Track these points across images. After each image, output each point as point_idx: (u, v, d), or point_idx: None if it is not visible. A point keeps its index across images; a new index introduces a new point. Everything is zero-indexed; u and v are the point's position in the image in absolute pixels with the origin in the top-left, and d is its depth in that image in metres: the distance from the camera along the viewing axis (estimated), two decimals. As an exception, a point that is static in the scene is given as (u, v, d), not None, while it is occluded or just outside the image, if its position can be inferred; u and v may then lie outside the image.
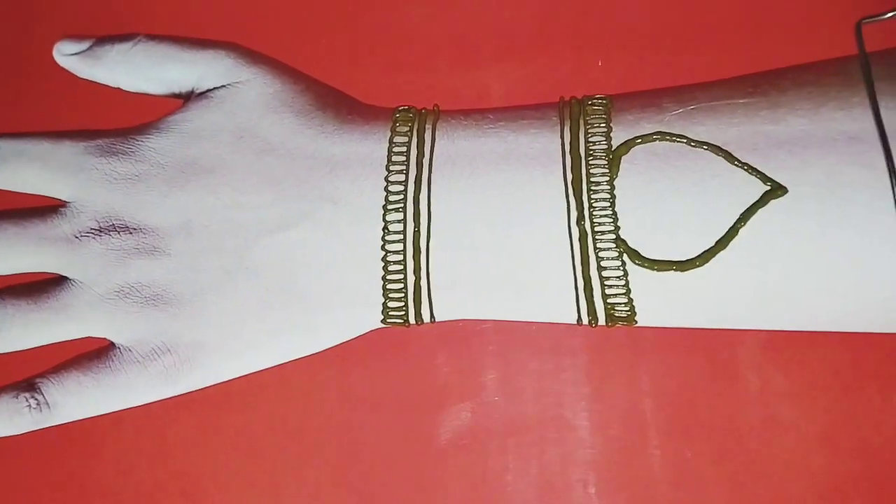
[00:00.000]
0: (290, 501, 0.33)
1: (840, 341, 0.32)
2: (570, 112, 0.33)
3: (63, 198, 0.34)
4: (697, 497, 0.32)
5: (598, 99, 0.33)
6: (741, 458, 0.32)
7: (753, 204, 0.30)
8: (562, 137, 0.32)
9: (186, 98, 0.36)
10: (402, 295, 0.32)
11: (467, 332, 0.34)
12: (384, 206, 0.32)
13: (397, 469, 0.33)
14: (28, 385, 0.33)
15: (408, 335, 0.34)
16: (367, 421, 0.33)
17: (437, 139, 0.33)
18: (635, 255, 0.31)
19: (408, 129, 0.34)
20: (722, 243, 0.30)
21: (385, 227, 0.32)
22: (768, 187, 0.30)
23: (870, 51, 0.32)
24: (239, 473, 0.33)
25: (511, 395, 0.33)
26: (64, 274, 0.34)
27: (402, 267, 0.32)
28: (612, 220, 0.31)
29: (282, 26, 0.38)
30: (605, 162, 0.32)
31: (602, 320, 0.32)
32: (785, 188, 0.30)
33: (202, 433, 0.34)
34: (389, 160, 0.33)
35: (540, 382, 0.33)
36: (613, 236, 0.31)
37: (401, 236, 0.32)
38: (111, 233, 0.33)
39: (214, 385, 0.33)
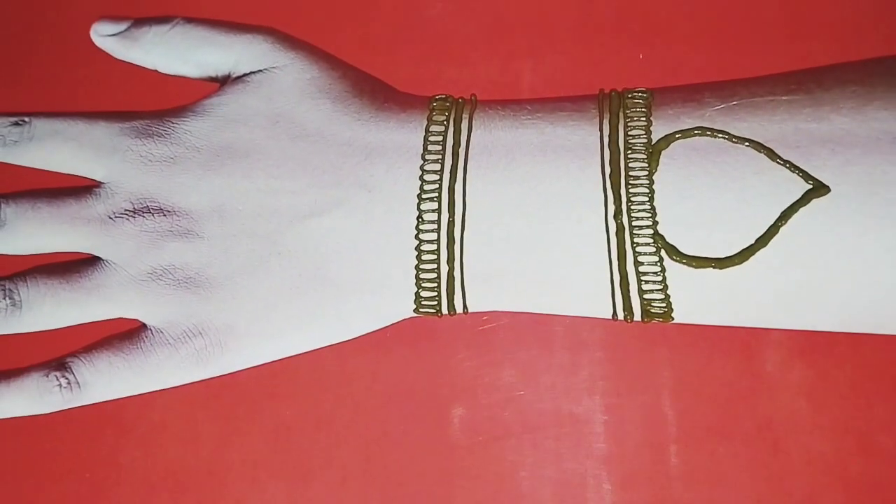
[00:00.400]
0: (318, 488, 0.33)
1: (869, 342, 0.32)
2: (610, 105, 0.33)
3: (98, 178, 0.34)
4: (713, 495, 0.32)
5: (638, 92, 0.33)
6: (758, 456, 0.32)
7: (795, 202, 0.30)
8: (600, 130, 0.32)
9: (223, 82, 0.35)
10: (436, 285, 0.32)
11: (494, 326, 0.34)
12: (419, 195, 0.32)
13: (423, 460, 0.33)
14: (59, 364, 0.33)
15: (435, 327, 0.34)
16: (394, 411, 0.33)
17: (473, 129, 0.33)
18: (673, 251, 0.30)
19: (444, 118, 0.33)
20: (762, 241, 0.30)
21: (419, 216, 0.32)
22: (810, 186, 0.30)
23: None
24: (267, 458, 0.33)
25: (534, 391, 0.33)
26: (97, 254, 0.34)
27: (435, 256, 0.32)
28: (650, 214, 0.31)
29: (320, 13, 0.38)
30: (644, 156, 0.31)
31: (638, 316, 0.31)
32: (827, 187, 0.30)
33: (231, 417, 0.34)
34: (425, 149, 0.33)
35: (562, 378, 0.33)
36: (651, 231, 0.31)
37: (435, 226, 0.32)
38: (145, 214, 0.33)
39: (245, 370, 0.33)
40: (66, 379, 0.32)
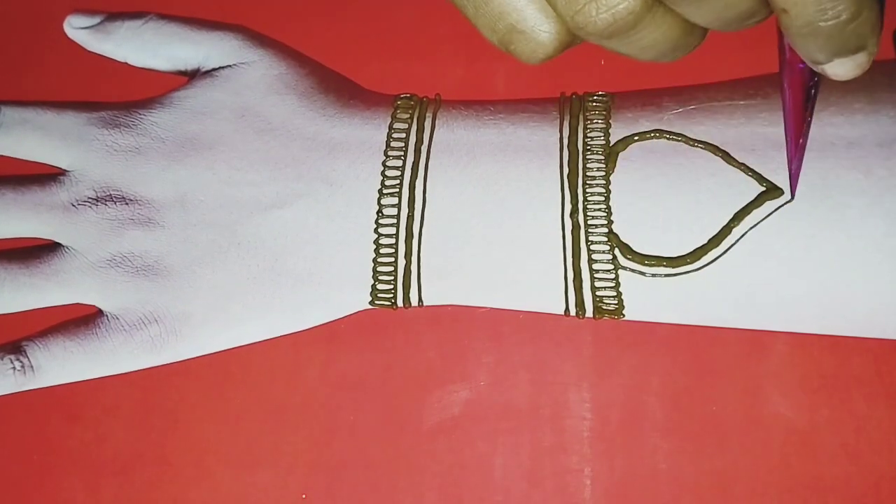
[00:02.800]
0: (265, 475, 0.33)
1: (829, 345, 0.32)
2: (571, 107, 0.33)
3: (63, 166, 0.35)
4: (698, 489, 0.32)
5: (598, 95, 0.33)
6: (728, 455, 0.32)
7: (748, 204, 0.30)
8: (560, 132, 0.33)
9: (192, 76, 0.36)
10: (392, 278, 0.32)
11: (455, 317, 0.34)
12: (380, 190, 0.32)
13: (375, 450, 0.33)
14: (14, 347, 0.33)
15: (396, 318, 0.34)
16: (349, 401, 0.33)
17: (436, 127, 0.33)
18: (626, 250, 0.31)
19: (408, 116, 0.34)
20: (714, 242, 0.30)
21: (379, 211, 0.32)
22: (764, 188, 0.30)
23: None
24: (216, 445, 0.33)
25: (498, 381, 0.33)
26: (58, 241, 0.34)
27: (393, 251, 0.32)
28: (605, 214, 0.31)
29: (289, 12, 0.38)
30: (602, 157, 0.32)
31: (589, 312, 0.32)
32: (781, 189, 0.30)
33: (182, 403, 0.34)
34: (388, 145, 0.33)
35: (528, 368, 0.33)
36: (606, 230, 0.31)
37: (394, 220, 0.32)
38: (107, 203, 0.33)
39: (198, 357, 0.33)
40: (20, 362, 0.32)
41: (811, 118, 0.27)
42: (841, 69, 0.23)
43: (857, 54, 0.22)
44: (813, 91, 0.27)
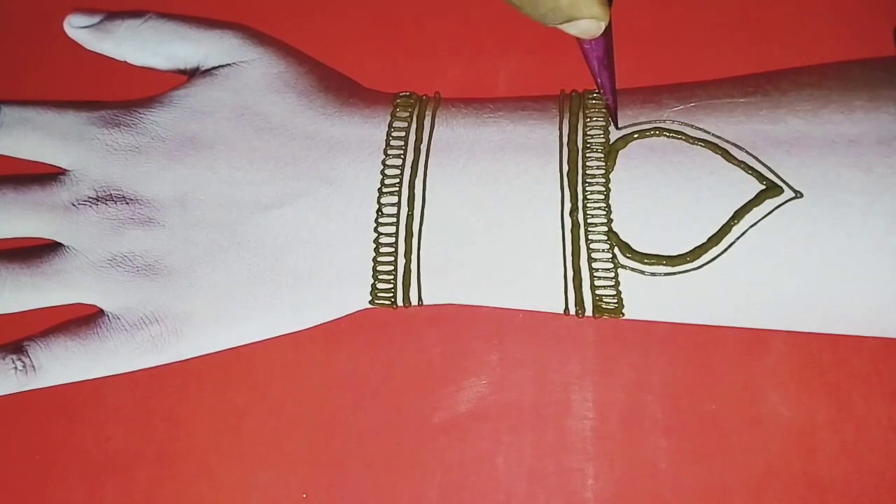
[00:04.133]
0: (267, 475, 0.33)
1: (829, 345, 0.32)
2: (570, 105, 0.33)
3: (63, 166, 0.35)
4: (698, 489, 0.32)
5: (598, 93, 0.33)
6: (728, 455, 0.32)
7: (748, 202, 0.30)
8: (560, 129, 0.32)
9: (191, 75, 0.36)
10: (392, 277, 0.32)
11: (456, 316, 0.34)
12: (379, 189, 0.32)
13: (376, 450, 0.33)
14: (15, 347, 0.33)
15: (396, 317, 0.34)
16: (349, 401, 0.33)
17: (436, 126, 0.33)
18: (626, 249, 0.31)
19: (408, 114, 0.34)
20: (714, 240, 0.30)
21: (379, 210, 0.32)
22: (764, 186, 0.30)
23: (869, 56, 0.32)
24: (217, 445, 0.33)
25: (499, 380, 0.33)
26: (58, 240, 0.34)
27: (393, 249, 0.32)
28: (605, 212, 0.31)
29: (289, 11, 0.38)
30: (602, 155, 0.32)
31: (589, 311, 0.32)
32: (780, 188, 0.30)
33: (183, 403, 0.34)
34: (388, 144, 0.33)
35: (530, 367, 0.33)
36: (605, 229, 0.31)
37: (394, 219, 0.32)
38: (108, 202, 0.33)
39: (199, 356, 0.33)
40: (22, 362, 0.32)
41: (606, 55, 0.30)
42: (573, 31, 0.27)
43: (576, 22, 0.27)
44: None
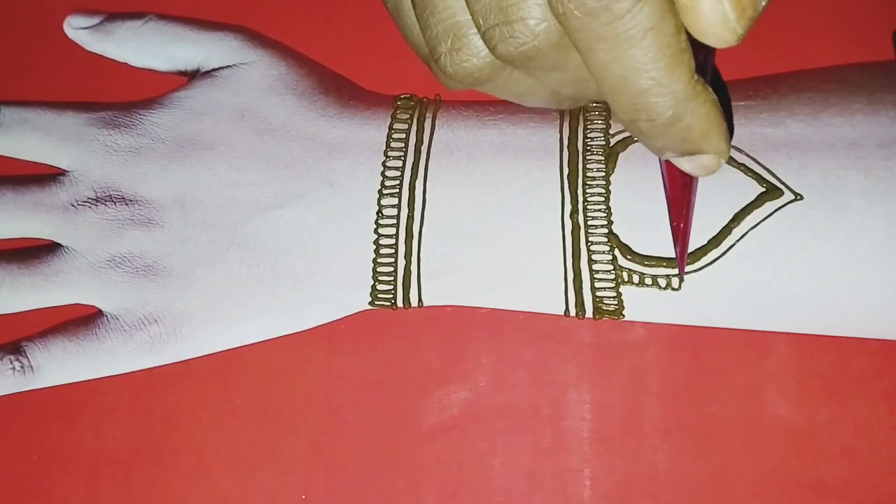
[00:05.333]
0: (265, 476, 0.32)
1: (829, 345, 0.32)
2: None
3: (63, 167, 0.35)
4: (697, 489, 0.32)
5: (598, 96, 0.33)
6: (728, 455, 0.32)
7: (748, 205, 0.30)
8: (560, 132, 0.33)
9: (192, 76, 0.36)
10: (392, 278, 0.32)
11: (455, 317, 0.34)
12: (380, 191, 0.32)
13: (375, 450, 0.33)
14: (14, 348, 0.33)
15: (396, 318, 0.34)
16: (349, 401, 0.33)
17: (436, 128, 0.33)
18: (626, 251, 0.31)
19: (408, 116, 0.34)
20: (714, 242, 0.30)
21: (379, 211, 0.32)
22: (764, 189, 0.30)
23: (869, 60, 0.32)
24: (216, 445, 0.33)
25: (497, 381, 0.33)
26: (58, 241, 0.34)
27: (393, 251, 0.32)
28: (605, 214, 0.31)
29: (289, 12, 0.38)
30: (602, 157, 0.32)
31: (589, 313, 0.32)
32: (780, 190, 0.30)
33: (182, 404, 0.33)
34: (388, 146, 0.33)
35: (528, 369, 0.33)
36: (606, 231, 0.31)
37: (394, 220, 0.32)
38: (107, 203, 0.33)
39: (198, 357, 0.33)
40: (20, 363, 0.32)
41: (693, 199, 0.27)
42: (685, 167, 0.24)
43: (698, 156, 0.23)
44: (690, 176, 0.26)
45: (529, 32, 0.21)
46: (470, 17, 0.22)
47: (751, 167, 0.30)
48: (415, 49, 0.25)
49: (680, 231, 0.28)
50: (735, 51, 0.29)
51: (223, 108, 0.34)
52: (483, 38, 0.21)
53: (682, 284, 0.30)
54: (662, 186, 0.29)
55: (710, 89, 0.21)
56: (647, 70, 0.20)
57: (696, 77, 0.21)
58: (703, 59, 0.22)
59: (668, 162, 0.26)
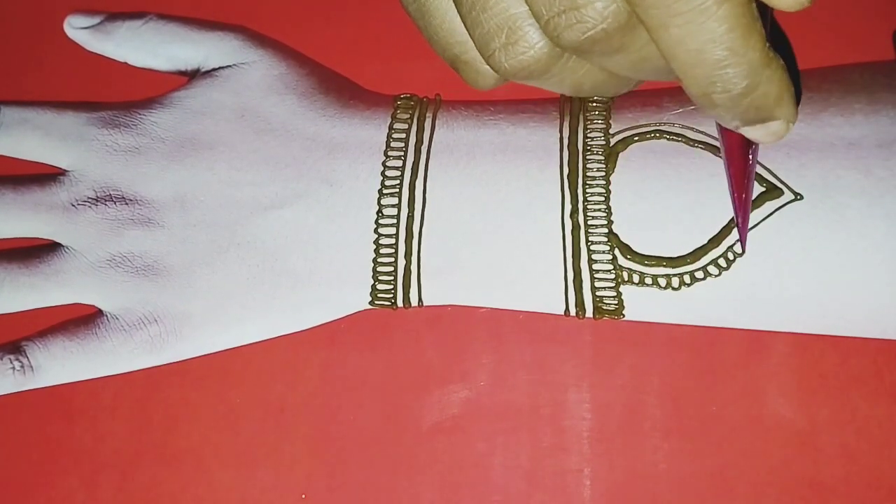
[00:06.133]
0: (265, 475, 0.32)
1: (829, 345, 0.32)
2: (571, 107, 0.33)
3: (63, 166, 0.35)
4: (696, 489, 0.32)
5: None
6: (728, 455, 0.32)
7: (748, 204, 0.30)
8: (560, 132, 0.33)
9: (192, 76, 0.36)
10: (392, 278, 0.32)
11: (455, 317, 0.34)
12: (380, 191, 0.32)
13: (375, 450, 0.33)
14: (13, 347, 0.33)
15: (396, 318, 0.34)
16: (349, 401, 0.33)
17: (436, 127, 0.33)
18: (626, 250, 0.31)
19: (408, 116, 0.34)
20: (714, 242, 0.30)
21: (379, 211, 0.32)
22: (764, 188, 0.30)
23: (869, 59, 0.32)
24: (215, 445, 0.33)
25: (497, 381, 0.33)
26: (58, 241, 0.34)
27: (393, 251, 0.32)
28: (605, 214, 0.31)
29: (289, 12, 0.38)
30: (602, 157, 0.32)
31: (589, 312, 0.32)
32: (781, 190, 0.30)
33: (182, 403, 0.33)
34: (388, 146, 0.33)
35: (528, 368, 0.33)
36: (606, 230, 0.31)
37: (394, 220, 0.32)
38: (107, 203, 0.33)
39: (198, 357, 0.33)
40: (20, 362, 0.32)
41: (753, 170, 0.28)
42: (755, 134, 0.24)
43: (769, 123, 0.23)
44: (751, 144, 0.27)
45: (598, 16, 0.21)
46: (524, 10, 0.22)
47: (751, 167, 0.30)
48: (441, 50, 0.25)
49: (742, 202, 0.28)
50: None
51: (223, 107, 0.34)
52: (545, 27, 0.21)
53: (689, 285, 0.30)
54: (660, 181, 0.30)
55: (779, 55, 0.22)
56: (722, 41, 0.20)
57: (767, 44, 0.21)
58: (768, 25, 0.22)
59: (728, 133, 0.26)
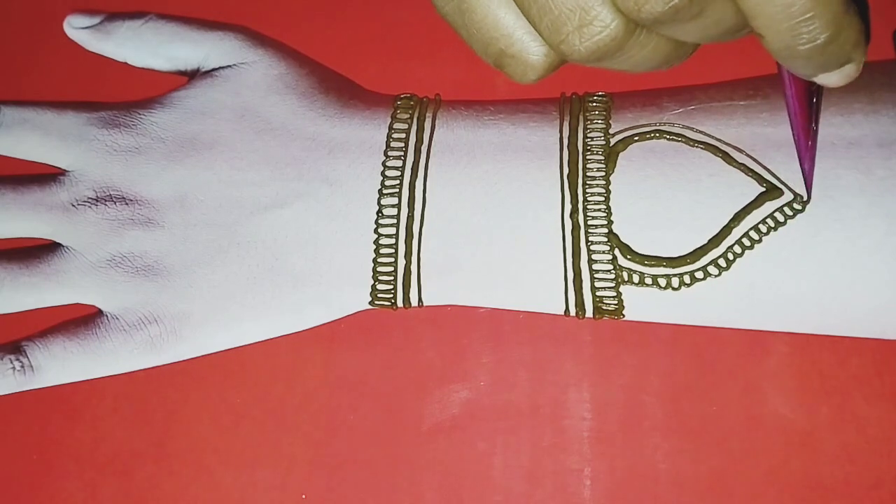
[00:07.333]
0: (265, 475, 0.33)
1: (829, 345, 0.32)
2: (571, 108, 0.33)
3: (63, 166, 0.35)
4: (696, 489, 0.32)
5: (598, 96, 0.33)
6: (728, 455, 0.32)
7: (748, 204, 0.30)
8: (560, 132, 0.33)
9: (192, 76, 0.36)
10: (392, 278, 0.32)
11: (455, 317, 0.34)
12: (380, 190, 0.32)
13: (375, 450, 0.33)
14: (14, 348, 0.33)
15: (396, 318, 0.34)
16: (349, 401, 0.33)
17: (436, 127, 0.33)
18: (626, 250, 0.31)
19: (408, 116, 0.34)
20: (714, 242, 0.30)
21: (379, 211, 0.32)
22: (764, 188, 0.30)
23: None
24: (216, 445, 0.33)
25: (497, 381, 0.33)
26: (58, 241, 0.34)
27: (393, 250, 0.32)
28: (605, 214, 0.31)
29: (289, 12, 0.38)
30: (602, 157, 0.32)
31: (589, 312, 0.32)
32: (781, 190, 0.30)
33: (182, 403, 0.34)
34: (388, 146, 0.33)
35: (528, 368, 0.33)
36: (606, 230, 0.31)
37: (394, 220, 0.32)
38: (107, 203, 0.33)
39: (198, 357, 0.33)
40: (21, 362, 0.32)
41: (818, 117, 0.28)
42: (829, 80, 0.24)
43: (844, 66, 0.23)
44: (815, 91, 0.27)
45: None
46: None
47: (751, 167, 0.30)
48: (483, 47, 0.24)
49: (808, 148, 0.28)
50: (735, 50, 0.29)
51: (223, 107, 0.34)
52: (623, 4, 0.21)
53: (689, 285, 0.30)
54: (660, 181, 0.30)
55: None
56: None
57: None
58: None
59: (794, 80, 0.26)
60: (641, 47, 0.23)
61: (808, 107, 0.28)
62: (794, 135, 0.28)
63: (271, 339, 0.33)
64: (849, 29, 0.21)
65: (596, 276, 0.31)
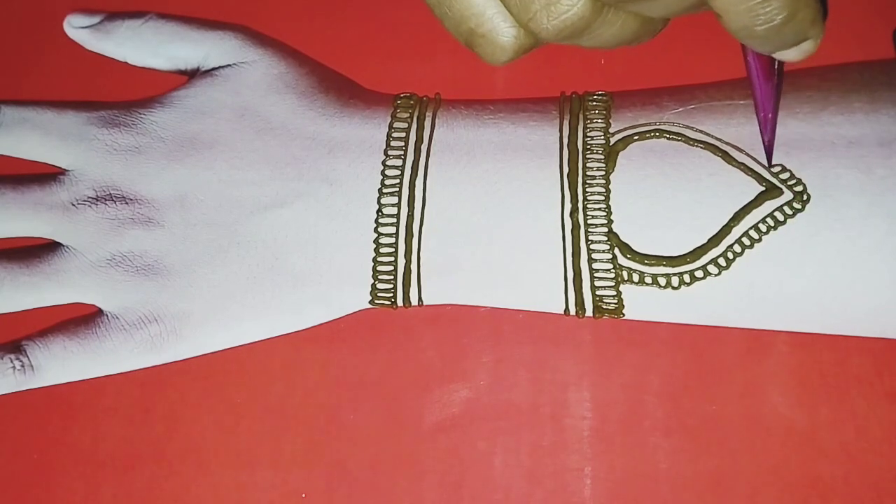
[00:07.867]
0: (265, 474, 0.33)
1: (829, 345, 0.32)
2: (570, 107, 0.33)
3: (63, 166, 0.35)
4: (696, 489, 0.32)
5: (598, 95, 0.33)
6: (728, 455, 0.32)
7: (748, 204, 0.30)
8: (560, 131, 0.33)
9: (192, 75, 0.36)
10: (392, 277, 0.32)
11: (455, 317, 0.34)
12: (380, 190, 0.32)
13: (375, 450, 0.33)
14: (14, 347, 0.33)
15: (396, 317, 0.34)
16: (349, 401, 0.33)
17: (436, 126, 0.33)
18: (626, 249, 0.31)
19: (408, 115, 0.34)
20: (714, 241, 0.30)
21: (379, 210, 0.32)
22: (764, 188, 0.30)
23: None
24: (215, 444, 0.33)
25: (498, 380, 0.33)
26: (58, 240, 0.34)
27: (393, 250, 0.32)
28: (605, 213, 0.31)
29: (289, 12, 0.38)
30: (602, 156, 0.32)
31: (589, 311, 0.32)
32: (780, 189, 0.30)
33: (181, 403, 0.34)
34: (388, 145, 0.33)
35: (528, 367, 0.33)
36: (606, 230, 0.31)
37: (394, 219, 0.32)
38: (107, 202, 0.33)
39: (198, 356, 0.33)
40: (21, 361, 0.32)
41: (779, 90, 0.29)
42: (787, 56, 0.25)
43: (801, 44, 0.25)
44: (778, 64, 0.28)
45: None
46: None
47: (751, 166, 0.30)
48: (455, 25, 0.25)
49: (769, 122, 0.29)
50: (735, 50, 0.29)
51: (223, 107, 0.34)
52: None
53: (688, 284, 0.30)
54: (660, 180, 0.31)
55: None
56: None
57: None
58: None
59: (757, 56, 0.28)
60: (610, 25, 0.24)
61: (769, 78, 0.28)
62: (755, 105, 0.29)
63: (271, 338, 0.33)
64: (805, 8, 0.22)
65: (596, 275, 0.31)
